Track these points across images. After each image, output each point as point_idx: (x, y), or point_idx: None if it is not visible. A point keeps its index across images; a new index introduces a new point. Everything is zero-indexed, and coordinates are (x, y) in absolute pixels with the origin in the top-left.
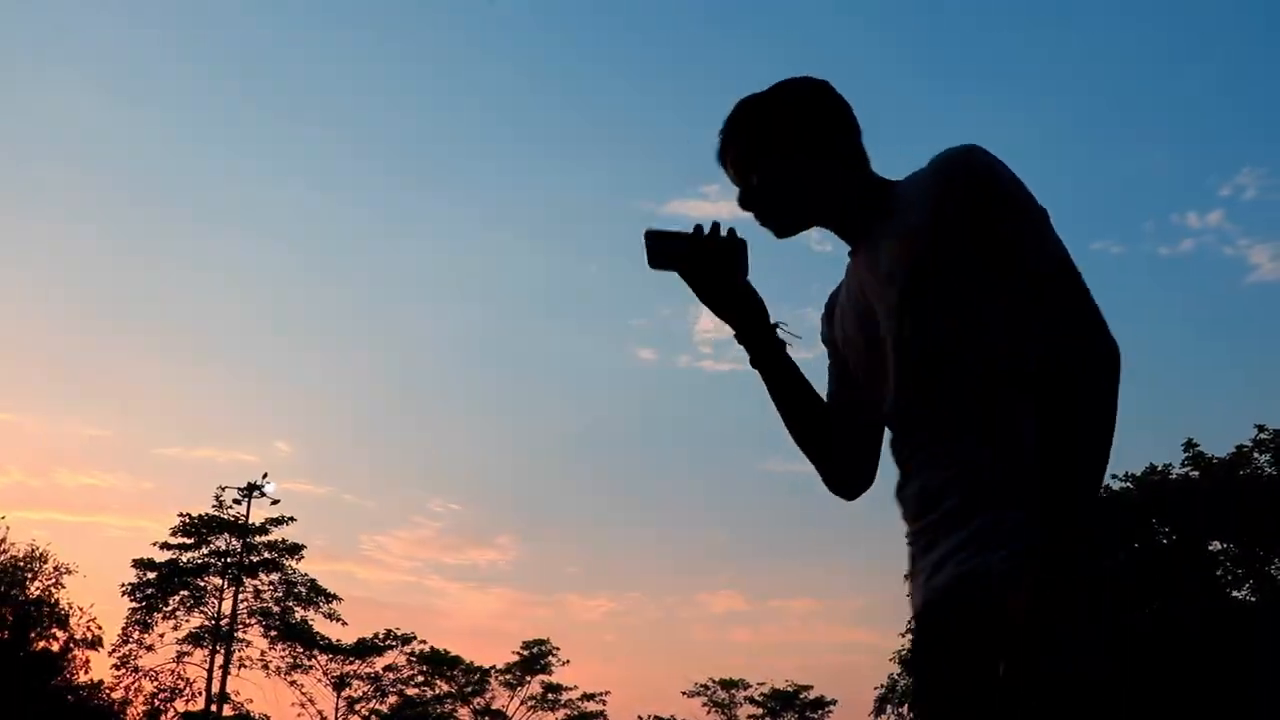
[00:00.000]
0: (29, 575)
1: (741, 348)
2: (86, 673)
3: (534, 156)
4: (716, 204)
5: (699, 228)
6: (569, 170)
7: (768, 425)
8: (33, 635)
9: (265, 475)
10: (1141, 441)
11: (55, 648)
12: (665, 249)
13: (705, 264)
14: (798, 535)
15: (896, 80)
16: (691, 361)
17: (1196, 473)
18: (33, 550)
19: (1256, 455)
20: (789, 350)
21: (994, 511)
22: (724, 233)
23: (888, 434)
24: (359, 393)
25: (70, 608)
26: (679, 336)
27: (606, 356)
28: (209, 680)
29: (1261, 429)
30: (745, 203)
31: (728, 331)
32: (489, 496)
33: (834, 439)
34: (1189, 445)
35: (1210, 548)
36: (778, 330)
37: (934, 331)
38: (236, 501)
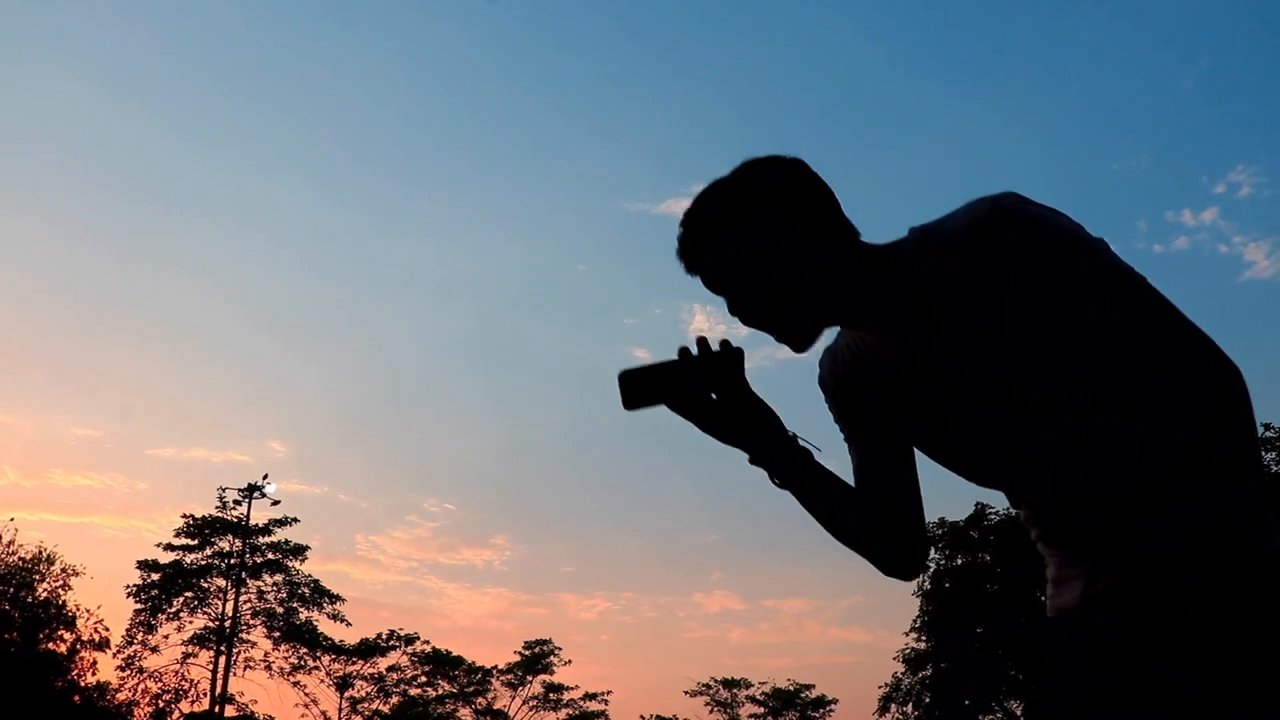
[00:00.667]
0: (36, 577)
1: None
2: (94, 674)
3: (526, 156)
4: None
5: (683, 352)
6: (561, 170)
7: None
8: (40, 636)
9: (265, 476)
10: None
11: (63, 649)
12: (643, 387)
13: (693, 390)
14: (791, 535)
15: (889, 81)
16: None
17: None
18: (40, 552)
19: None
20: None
21: (1169, 511)
22: (716, 345)
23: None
24: (354, 393)
25: (78, 609)
26: (672, 335)
27: (600, 355)
28: (213, 681)
29: (1268, 427)
30: (746, 320)
31: (722, 330)
32: (484, 496)
33: (877, 520)
34: None
35: None
36: (798, 442)
37: (1046, 361)
38: (237, 502)
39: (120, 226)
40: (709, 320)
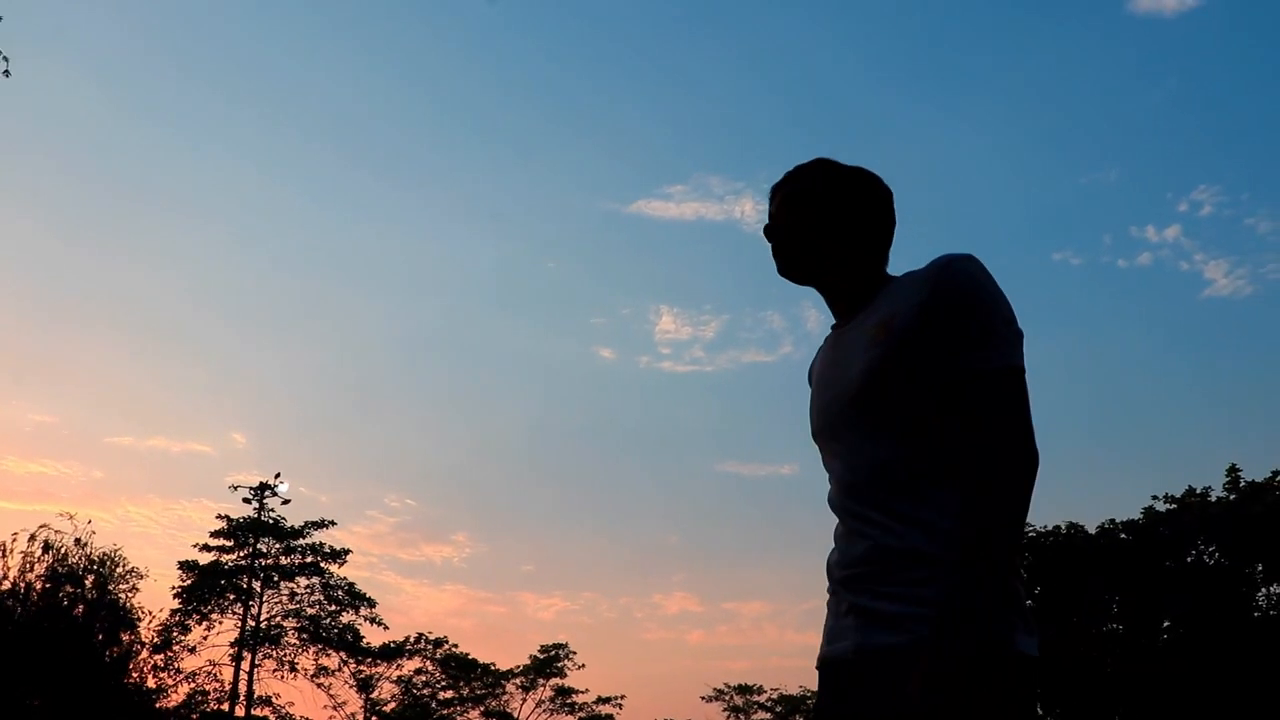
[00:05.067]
0: (105, 578)
1: (700, 348)
2: (154, 677)
3: (497, 151)
4: (680, 205)
5: None
6: (533, 167)
7: (724, 427)
8: (101, 639)
9: (278, 475)
10: (1091, 439)
11: (120, 651)
12: None
13: None
14: (751, 538)
15: (862, 89)
16: (651, 362)
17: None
18: (110, 552)
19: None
20: None
21: (917, 575)
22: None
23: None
24: (317, 385)
25: (140, 610)
26: (639, 336)
27: (566, 354)
28: (237, 682)
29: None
30: (770, 232)
31: (688, 332)
32: (446, 493)
33: None
34: (1231, 470)
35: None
36: None
37: (886, 409)
38: (246, 500)
39: (83, 215)
40: (676, 322)
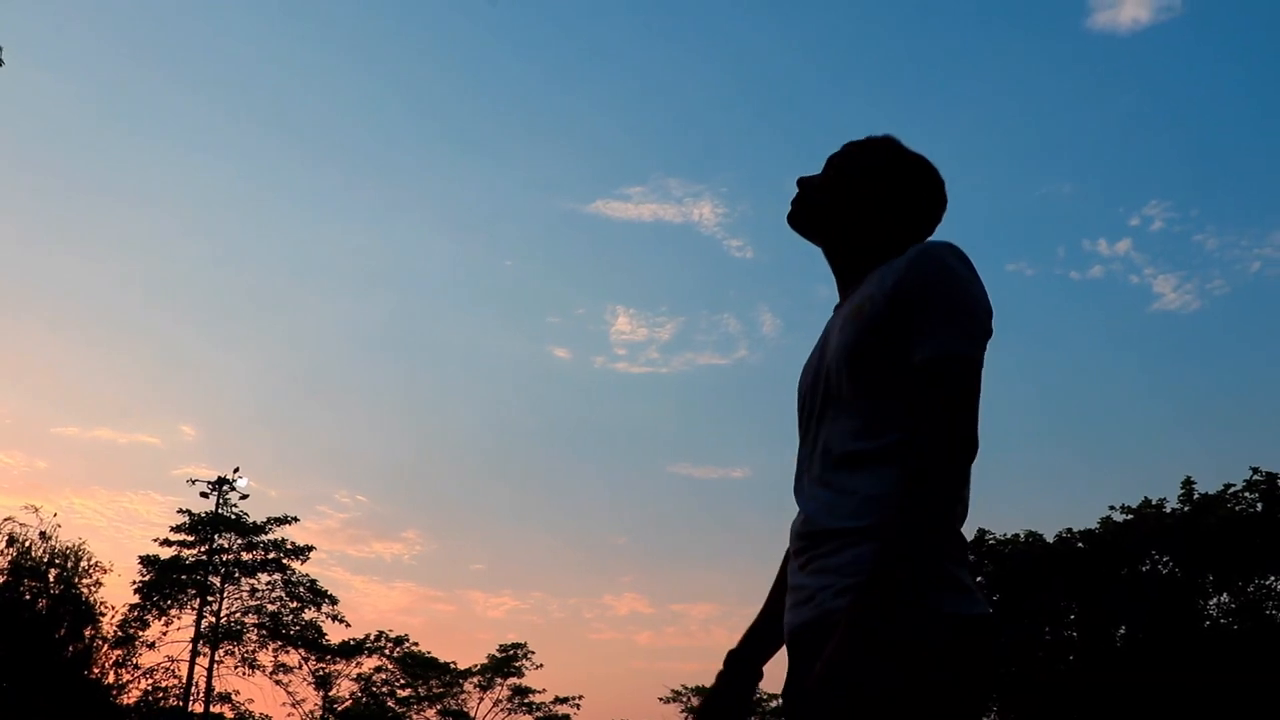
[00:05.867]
0: (69, 572)
1: (655, 349)
2: (113, 673)
3: (456, 148)
4: (639, 206)
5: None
6: (492, 164)
7: (678, 429)
8: (64, 633)
9: (236, 470)
10: (1050, 449)
11: (81, 647)
12: None
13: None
14: (701, 540)
15: (824, 96)
16: (606, 362)
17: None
18: (75, 546)
19: (1247, 494)
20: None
21: (861, 548)
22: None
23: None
24: (269, 379)
25: (103, 606)
26: (595, 337)
27: (521, 353)
28: (191, 678)
29: (1256, 471)
30: (804, 179)
31: (644, 333)
32: (397, 489)
33: None
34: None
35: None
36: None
37: (852, 389)
38: (204, 495)
39: (27, 203)
40: (631, 324)
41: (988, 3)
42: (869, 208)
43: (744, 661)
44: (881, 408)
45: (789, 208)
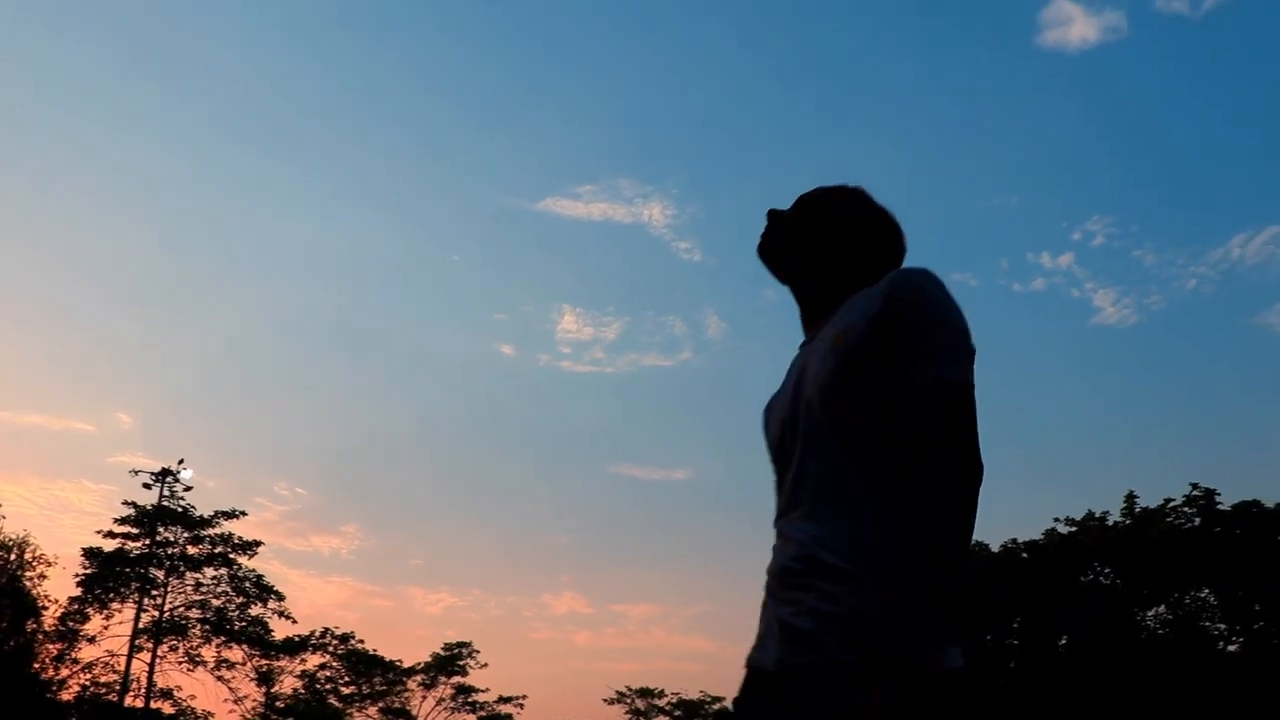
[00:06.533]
0: (14, 565)
1: (600, 349)
2: (54, 667)
3: (406, 140)
4: (589, 205)
5: None
6: (442, 158)
7: (621, 430)
8: (5, 626)
9: (181, 461)
10: (998, 460)
11: (22, 640)
12: None
13: None
14: (642, 541)
15: (776, 102)
16: (551, 360)
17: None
18: (19, 538)
19: (1186, 509)
20: None
21: (856, 587)
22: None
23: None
24: (208, 368)
25: (45, 599)
26: (540, 334)
27: (465, 349)
28: (128, 673)
29: (1195, 486)
30: (774, 213)
31: (589, 332)
32: (337, 483)
33: None
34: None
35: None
36: None
37: (837, 421)
38: (146, 486)
39: None
40: (577, 322)
41: (940, 16)
42: (837, 254)
43: None
44: (866, 438)
45: (758, 239)
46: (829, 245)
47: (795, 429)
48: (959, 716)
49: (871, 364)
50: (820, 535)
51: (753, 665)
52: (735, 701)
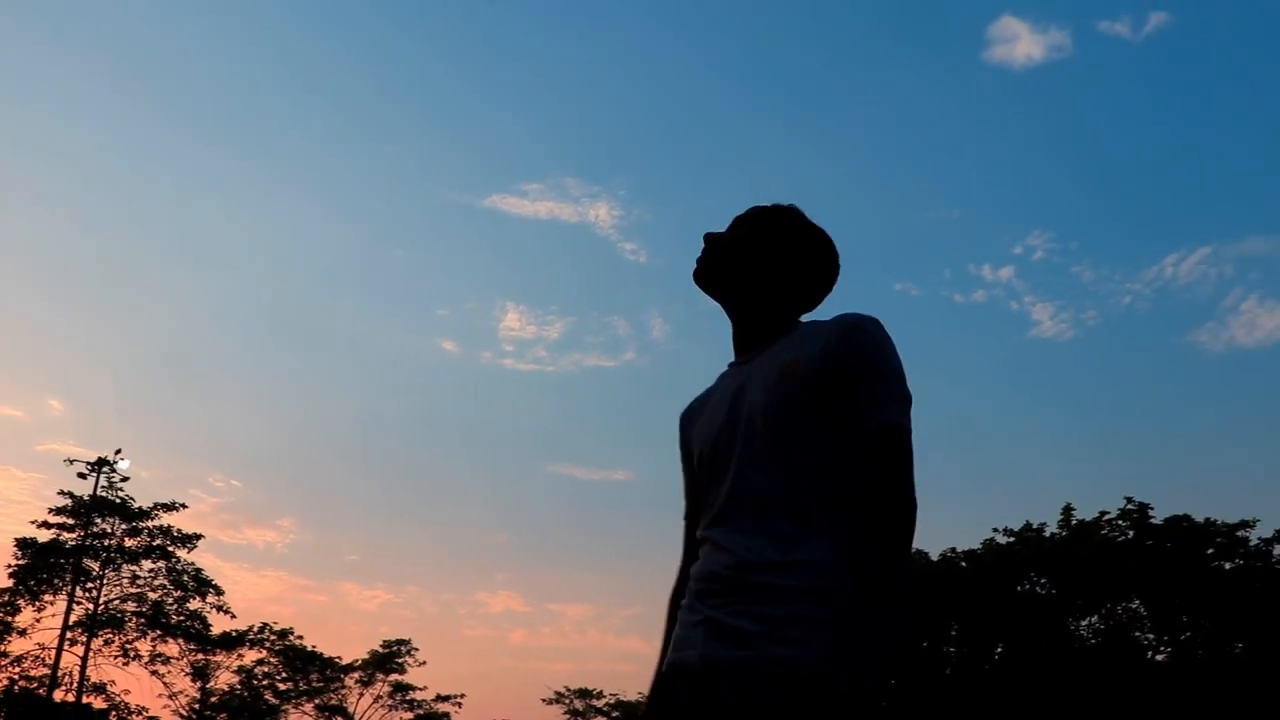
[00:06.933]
0: None
1: (543, 348)
2: None
3: (352, 132)
4: (535, 203)
5: None
6: (387, 151)
7: (561, 429)
8: None
9: (119, 451)
10: (937, 469)
11: None
12: None
13: None
14: (579, 541)
15: (726, 108)
16: (494, 358)
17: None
18: None
19: (1120, 522)
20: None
21: (800, 605)
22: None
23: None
24: (142, 355)
25: None
26: (483, 331)
27: (407, 344)
28: (57, 667)
29: (1129, 500)
30: (711, 235)
31: (533, 331)
32: (273, 476)
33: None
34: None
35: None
36: None
37: (782, 442)
38: (82, 476)
39: None
40: (521, 320)
41: (889, 28)
42: (773, 273)
43: None
44: (809, 465)
45: (695, 264)
46: (769, 265)
47: (730, 446)
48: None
49: (819, 398)
50: (757, 550)
51: (673, 666)
52: (653, 704)
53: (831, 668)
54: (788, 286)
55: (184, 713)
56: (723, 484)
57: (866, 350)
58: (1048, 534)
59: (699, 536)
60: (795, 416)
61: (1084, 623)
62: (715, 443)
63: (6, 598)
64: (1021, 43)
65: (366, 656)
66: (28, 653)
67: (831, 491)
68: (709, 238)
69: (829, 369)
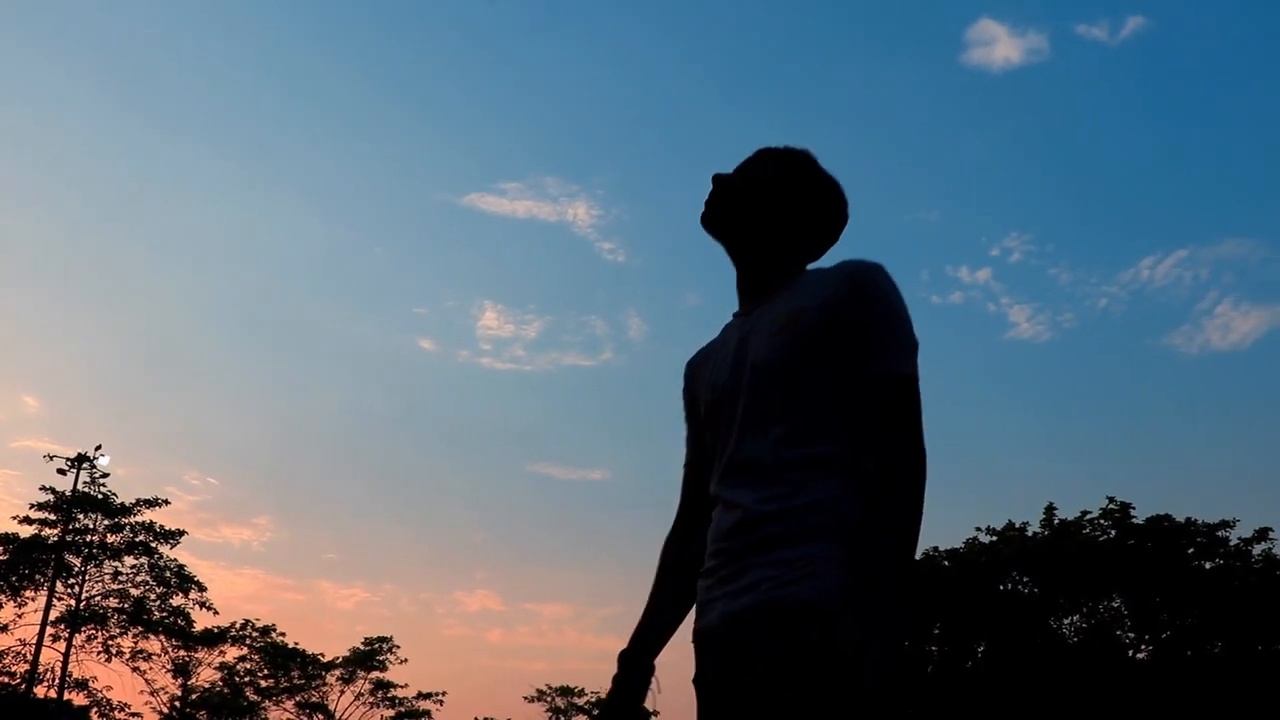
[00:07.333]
0: None
1: (521, 347)
2: None
3: (331, 130)
4: (514, 202)
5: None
6: (368, 149)
7: (539, 428)
8: None
9: (99, 447)
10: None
11: None
12: None
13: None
14: (556, 540)
15: (703, 105)
16: (471, 356)
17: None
18: None
19: (1102, 521)
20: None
21: (811, 545)
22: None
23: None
24: (119, 353)
25: None
26: (461, 330)
27: (385, 342)
28: (36, 663)
29: (1111, 500)
30: (719, 176)
31: (511, 330)
32: (251, 474)
33: (694, 517)
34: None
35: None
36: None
37: (788, 392)
38: (61, 472)
39: None
40: (499, 319)
41: (868, 30)
42: (782, 217)
43: (638, 657)
44: (814, 415)
45: (702, 208)
46: (779, 207)
47: (736, 398)
48: (894, 679)
49: (824, 347)
50: (766, 498)
51: (698, 635)
52: (696, 679)
53: (847, 599)
54: (796, 232)
55: (165, 709)
56: (729, 437)
57: (871, 297)
58: (1030, 533)
59: (711, 494)
60: (800, 366)
61: (1066, 621)
62: (720, 395)
63: None
64: (1000, 45)
65: (348, 654)
66: (8, 649)
67: (840, 440)
68: (717, 179)
69: (833, 317)
